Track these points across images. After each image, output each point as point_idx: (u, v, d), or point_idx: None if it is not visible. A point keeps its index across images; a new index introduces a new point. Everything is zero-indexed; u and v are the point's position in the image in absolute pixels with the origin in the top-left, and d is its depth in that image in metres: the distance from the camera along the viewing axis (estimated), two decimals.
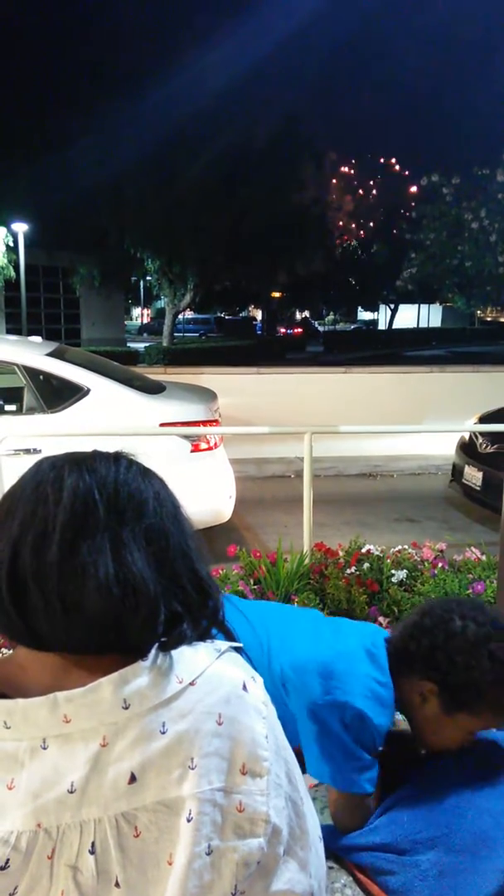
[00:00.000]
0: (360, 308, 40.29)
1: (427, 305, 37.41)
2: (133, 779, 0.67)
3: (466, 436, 5.68)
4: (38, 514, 0.72)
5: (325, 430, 3.62)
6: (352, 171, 20.61)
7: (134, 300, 38.59)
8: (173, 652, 0.73)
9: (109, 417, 3.86)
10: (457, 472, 5.67)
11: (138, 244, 17.07)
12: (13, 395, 3.95)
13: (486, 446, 5.29)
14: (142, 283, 30.10)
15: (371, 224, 24.63)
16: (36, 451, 3.61)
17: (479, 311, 29.88)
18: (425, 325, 38.43)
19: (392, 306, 30.68)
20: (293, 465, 6.66)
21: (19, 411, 3.89)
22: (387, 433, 4.43)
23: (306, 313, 42.15)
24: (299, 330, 35.51)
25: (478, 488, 5.25)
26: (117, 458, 0.80)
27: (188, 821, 0.67)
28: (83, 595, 0.69)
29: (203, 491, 4.00)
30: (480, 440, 5.38)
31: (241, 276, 20.41)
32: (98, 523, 0.72)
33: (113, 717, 0.68)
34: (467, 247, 10.51)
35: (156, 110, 14.53)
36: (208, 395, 4.62)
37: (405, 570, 3.09)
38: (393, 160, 20.43)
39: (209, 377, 7.27)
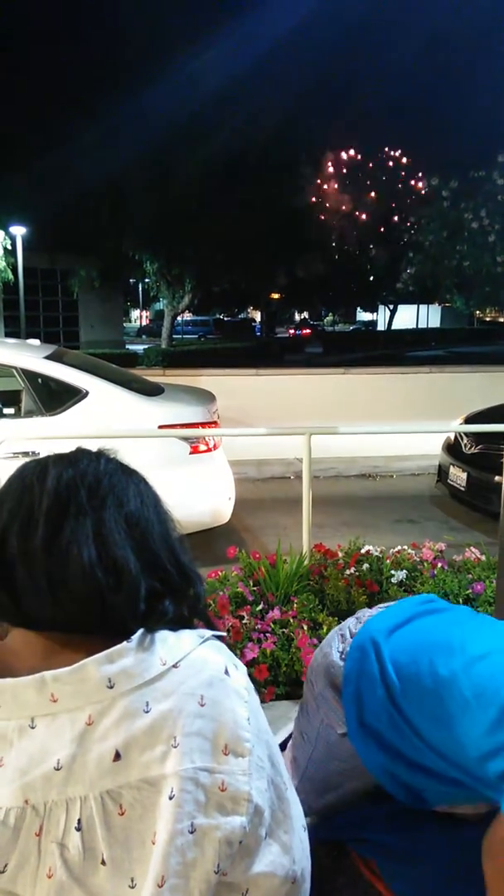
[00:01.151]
0: (359, 309, 40.28)
1: (426, 306, 37.44)
2: (118, 756, 0.69)
3: (452, 436, 5.70)
4: (24, 502, 0.76)
5: (325, 432, 3.61)
6: (350, 172, 20.65)
7: (132, 302, 38.61)
8: (157, 637, 0.75)
9: (108, 420, 3.86)
10: (442, 472, 5.69)
11: (137, 246, 17.08)
12: (12, 398, 3.95)
13: (471, 447, 5.30)
14: (140, 285, 30.10)
15: (370, 225, 24.64)
16: (34, 454, 3.61)
17: (477, 312, 29.89)
18: (424, 326, 38.45)
19: (391, 307, 30.68)
20: (292, 467, 6.66)
21: (18, 414, 3.89)
22: (385, 433, 4.43)
23: (305, 314, 42.15)
24: (308, 331, 35.57)
25: (462, 489, 5.26)
26: (98, 454, 0.85)
27: (170, 798, 0.68)
28: (67, 574, 0.72)
29: (202, 492, 4.00)
30: (465, 441, 5.38)
31: (240, 277, 20.42)
32: (81, 508, 0.76)
33: (98, 696, 0.70)
34: (465, 247, 10.52)
35: (154, 112, 14.53)
36: (207, 397, 4.61)
37: (405, 571, 3.09)
38: (391, 161, 20.45)
39: (208, 379, 7.28)
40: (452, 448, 5.61)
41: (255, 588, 3.05)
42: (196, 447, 3.99)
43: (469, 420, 5.69)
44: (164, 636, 0.76)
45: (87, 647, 0.73)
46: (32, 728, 0.70)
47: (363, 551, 3.27)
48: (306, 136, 18.04)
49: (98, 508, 0.76)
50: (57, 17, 15.29)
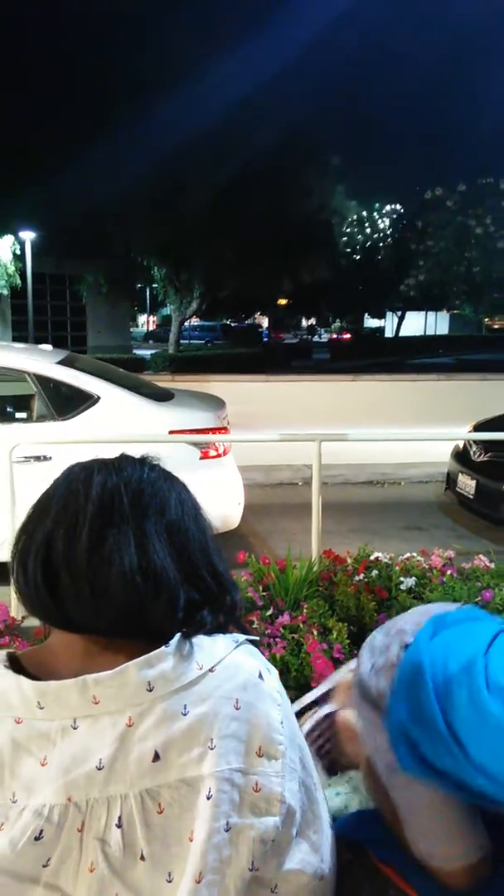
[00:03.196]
0: (366, 315, 40.34)
1: (434, 313, 37.43)
2: (157, 757, 0.71)
3: (461, 444, 5.70)
4: (69, 508, 0.78)
5: (335, 438, 3.64)
6: (358, 179, 20.74)
7: (139, 307, 38.78)
8: (194, 641, 0.77)
9: (119, 425, 3.90)
10: (451, 480, 5.69)
11: (145, 252, 17.18)
12: (24, 403, 3.99)
13: (480, 454, 5.30)
14: (147, 290, 30.24)
15: (378, 232, 24.71)
16: (46, 459, 3.64)
17: (486, 320, 29.88)
18: (433, 333, 38.43)
19: (399, 314, 30.71)
20: (300, 473, 6.67)
21: (30, 419, 3.93)
22: (394, 440, 4.45)
23: (312, 320, 42.22)
24: (348, 336, 35.69)
25: (471, 496, 5.26)
26: (142, 461, 0.87)
27: (208, 798, 0.70)
28: (109, 581, 0.74)
29: (212, 498, 4.00)
30: (474, 448, 5.39)
31: (247, 283, 20.49)
32: (124, 517, 0.78)
33: (138, 698, 0.73)
34: (474, 253, 10.55)
35: (163, 119, 14.64)
36: (217, 403, 4.64)
37: (414, 578, 3.10)
38: (400, 168, 20.54)
39: (217, 385, 7.31)
40: (461, 456, 5.61)
41: (264, 593, 3.07)
42: (206, 452, 4.02)
43: (478, 428, 5.69)
44: (199, 641, 0.78)
45: (127, 650, 0.75)
46: (75, 729, 0.72)
47: (372, 558, 3.28)
48: (315, 144, 18.11)
49: (140, 517, 0.78)
50: (68, 29, 15.45)
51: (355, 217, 24.58)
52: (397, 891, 0.92)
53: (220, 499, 4.08)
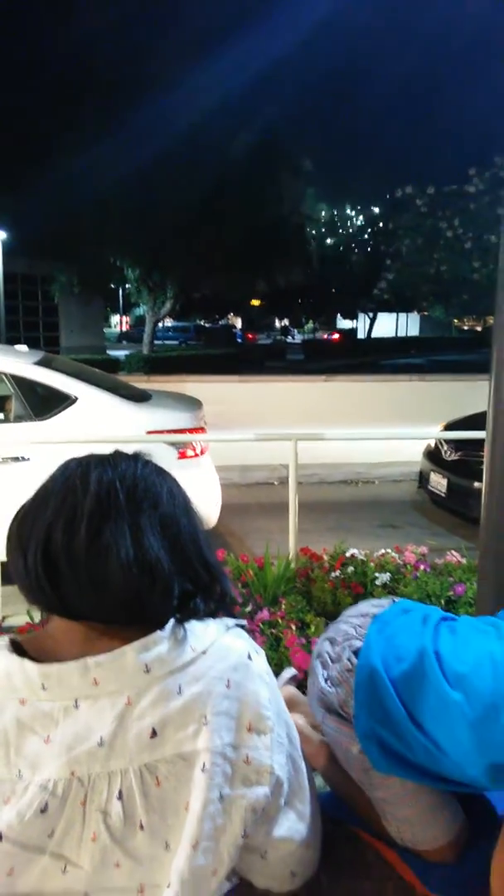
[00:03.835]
0: (339, 316, 40.67)
1: (405, 314, 37.89)
2: (154, 734, 0.76)
3: (432, 443, 5.82)
4: (67, 502, 0.81)
5: (311, 438, 3.70)
6: (331, 181, 20.92)
7: (113, 308, 38.49)
8: (187, 627, 0.82)
9: (97, 425, 3.91)
10: (423, 478, 5.82)
11: (118, 253, 17.09)
12: (2, 404, 3.98)
13: (451, 454, 5.43)
14: (121, 290, 30.07)
15: (349, 233, 24.95)
16: (24, 459, 3.64)
17: (456, 321, 30.34)
18: (404, 334, 38.88)
19: (371, 315, 31.03)
20: (276, 472, 6.73)
21: (7, 419, 3.92)
22: (369, 439, 4.53)
23: (286, 321, 42.42)
24: (337, 336, 35.84)
25: (443, 495, 5.38)
26: (136, 457, 0.91)
27: (202, 771, 0.76)
28: (107, 572, 0.78)
29: (190, 497, 4.05)
30: (445, 448, 5.52)
31: (221, 284, 20.51)
32: (119, 511, 0.81)
33: (136, 679, 0.77)
34: (442, 255, 10.75)
35: (137, 122, 14.59)
36: (194, 404, 4.68)
37: (388, 573, 3.18)
38: (370, 171, 20.77)
39: (193, 385, 7.34)
40: (433, 455, 5.73)
41: (244, 590, 3.12)
42: (184, 453, 4.05)
43: (449, 427, 5.82)
44: (192, 626, 0.83)
45: (124, 635, 0.80)
46: (76, 708, 0.77)
47: (348, 555, 3.36)
48: (287, 148, 18.23)
49: (135, 511, 0.82)
50: (43, 31, 15.31)
51: (327, 219, 24.80)
52: (376, 854, 0.98)
53: (197, 498, 4.11)
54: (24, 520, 0.83)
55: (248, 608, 2.92)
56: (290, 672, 1.23)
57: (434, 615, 1.03)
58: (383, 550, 3.43)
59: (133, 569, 0.79)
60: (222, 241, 16.61)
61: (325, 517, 5.58)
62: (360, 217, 23.39)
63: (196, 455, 4.15)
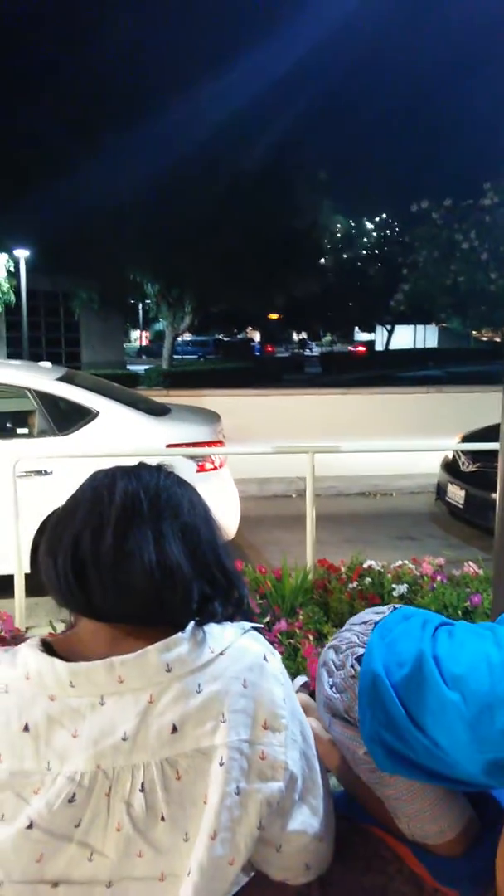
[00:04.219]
0: (357, 329, 40.69)
1: (423, 326, 37.80)
2: (174, 729, 0.81)
3: (450, 455, 5.82)
4: (95, 511, 0.88)
5: (327, 450, 3.75)
6: (349, 195, 21.09)
7: (132, 323, 38.95)
8: (206, 629, 0.88)
9: (118, 439, 3.99)
10: (441, 490, 5.81)
11: (138, 269, 17.34)
12: (26, 419, 4.08)
13: (468, 465, 5.42)
14: (140, 305, 30.44)
15: (367, 246, 25.05)
16: (47, 473, 3.73)
17: (474, 332, 30.19)
18: (422, 346, 38.76)
19: (389, 327, 31.01)
20: (294, 485, 6.77)
21: (32, 434, 4.02)
22: (385, 452, 4.56)
23: (304, 335, 42.54)
24: (363, 349, 35.88)
25: (460, 506, 5.37)
26: (159, 468, 0.97)
27: (220, 765, 0.81)
28: (131, 575, 0.84)
29: (209, 507, 4.12)
30: (462, 459, 5.51)
31: (239, 299, 20.68)
32: (143, 518, 0.88)
33: (158, 678, 0.83)
34: (459, 266, 10.78)
35: (155, 137, 14.86)
36: (212, 417, 4.75)
37: (405, 585, 3.19)
38: (387, 183, 20.89)
39: (211, 399, 7.41)
40: (450, 466, 5.73)
41: (261, 601, 3.16)
42: (203, 466, 4.12)
43: (466, 439, 5.82)
44: (211, 629, 0.88)
45: (147, 636, 0.85)
46: (102, 705, 0.82)
47: (365, 566, 3.38)
48: (304, 161, 18.42)
49: (157, 519, 0.88)
50: (62, 44, 15.70)
51: (344, 232, 24.93)
52: (387, 849, 1.02)
53: (216, 510, 4.16)
54: (55, 527, 0.90)
55: (266, 619, 2.96)
56: (301, 679, 1.27)
57: (433, 621, 1.08)
58: (400, 562, 3.45)
59: (155, 573, 0.85)
60: (240, 255, 16.78)
61: (343, 529, 5.60)
62: (377, 229, 23.50)
63: (215, 468, 4.21)
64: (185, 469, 4.09)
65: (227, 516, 4.27)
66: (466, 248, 10.17)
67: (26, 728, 0.82)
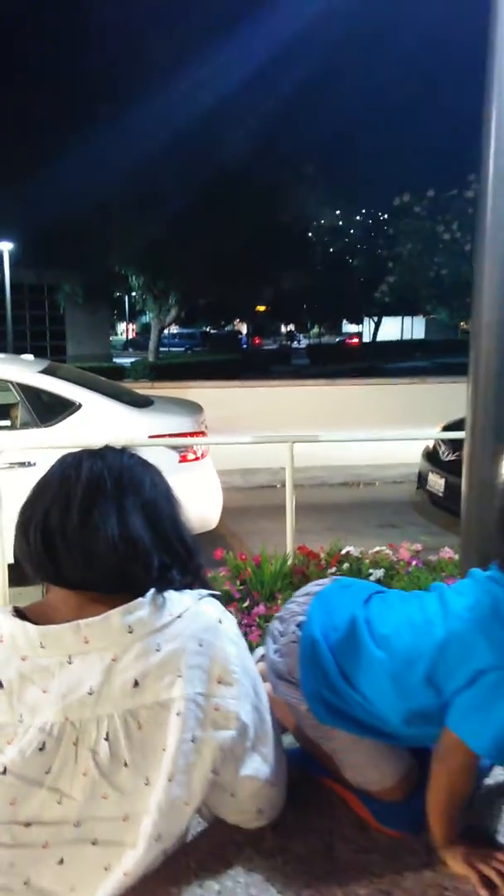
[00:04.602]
0: (344, 321, 40.78)
1: (410, 318, 37.95)
2: (136, 684, 0.89)
3: (431, 444, 5.91)
4: (63, 489, 0.96)
5: (306, 440, 3.82)
6: (333, 187, 21.08)
7: (119, 315, 38.79)
8: (165, 595, 0.95)
9: (101, 431, 4.04)
10: (422, 479, 5.90)
11: (122, 262, 17.29)
12: (8, 411, 4.12)
13: (448, 454, 5.52)
14: (126, 298, 30.35)
15: (352, 238, 25.10)
16: (31, 465, 3.78)
17: (462, 323, 30.38)
18: (409, 338, 38.91)
19: (375, 319, 31.11)
20: (278, 476, 6.83)
21: (14, 426, 4.06)
22: (364, 441, 4.64)
23: (291, 327, 42.56)
24: (356, 340, 35.83)
25: (441, 494, 5.47)
26: (123, 450, 1.05)
27: (177, 715, 0.89)
28: (96, 546, 0.93)
29: (191, 499, 4.17)
30: (443, 448, 5.61)
31: (226, 291, 20.68)
32: (107, 495, 0.95)
33: (121, 639, 0.91)
34: (443, 258, 10.87)
35: (140, 129, 14.78)
36: (195, 409, 4.81)
37: (382, 569, 3.28)
38: (372, 175, 20.94)
39: (196, 391, 7.47)
40: (431, 455, 5.82)
41: (241, 587, 3.23)
42: (185, 456, 4.18)
43: (447, 428, 5.91)
44: (170, 594, 0.96)
45: (111, 603, 0.93)
46: (70, 663, 0.90)
47: (343, 552, 3.46)
48: (288, 153, 18.40)
49: (120, 496, 0.96)
50: (43, 33, 15.56)
51: (330, 224, 24.94)
52: (336, 797, 1.11)
53: (198, 500, 4.23)
54: (28, 505, 0.97)
55: (246, 603, 3.04)
56: (260, 651, 1.35)
57: (369, 589, 1.19)
58: (378, 548, 3.54)
59: (118, 544, 0.92)
60: (225, 247, 16.78)
61: (326, 518, 5.68)
62: (363, 221, 23.54)
63: (197, 458, 4.27)
64: (167, 460, 4.16)
65: (209, 506, 4.34)
66: (449, 239, 10.25)
67: (0, 685, 0.89)
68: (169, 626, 0.93)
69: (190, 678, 0.91)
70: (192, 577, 1.01)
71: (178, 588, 0.97)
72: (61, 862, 0.88)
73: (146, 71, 15.58)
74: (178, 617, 0.94)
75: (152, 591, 0.94)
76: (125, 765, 0.88)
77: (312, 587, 1.24)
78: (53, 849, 0.88)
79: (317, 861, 1.00)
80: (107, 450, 1.03)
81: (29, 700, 0.89)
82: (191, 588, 1.00)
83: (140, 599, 0.93)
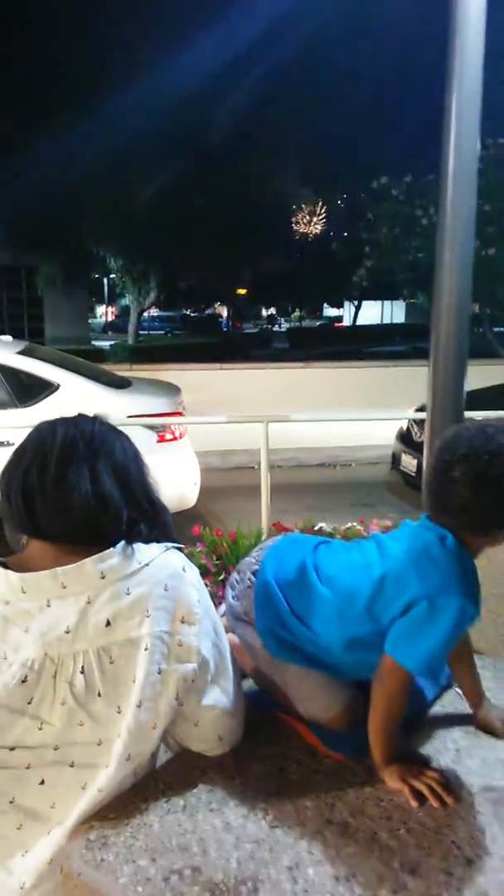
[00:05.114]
0: (325, 305, 40.82)
1: (390, 302, 38.11)
2: (108, 623, 1.01)
3: (404, 425, 6.06)
4: (39, 452, 1.07)
5: (280, 419, 3.93)
6: (310, 169, 21.03)
7: (98, 298, 38.43)
8: (134, 546, 1.07)
9: (79, 411, 4.11)
10: (395, 459, 6.06)
11: (99, 243, 17.16)
12: None
13: (420, 435, 5.67)
14: (105, 280, 30.07)
15: (330, 221, 25.13)
16: (9, 444, 3.84)
17: None
18: (389, 322, 39.10)
19: (356, 303, 31.21)
20: (256, 457, 6.90)
21: None
22: (336, 420, 4.75)
23: (272, 310, 42.52)
24: (342, 325, 35.89)
25: (413, 474, 5.63)
26: (94, 418, 1.16)
27: (145, 650, 1.01)
28: (71, 502, 1.04)
29: (169, 478, 4.27)
30: (416, 429, 5.76)
31: (205, 274, 20.63)
32: (80, 457, 1.06)
33: (94, 583, 1.02)
34: (420, 242, 10.97)
35: (115, 110, 14.62)
36: (172, 390, 4.89)
37: None
38: (350, 158, 20.91)
39: (174, 373, 7.52)
40: (405, 437, 5.97)
41: (217, 561, 3.35)
42: (163, 436, 4.27)
43: (420, 410, 6.06)
44: (139, 546, 1.07)
45: (85, 553, 1.04)
46: (48, 606, 1.01)
47: (316, 528, 3.60)
48: (267, 134, 18.32)
49: (93, 458, 1.07)
50: (17, 16, 15.24)
51: (310, 208, 24.92)
52: (289, 727, 1.25)
53: (176, 479, 4.34)
54: (8, 468, 1.08)
55: (221, 577, 3.16)
56: (224, 608, 1.48)
57: (316, 540, 1.35)
58: (350, 524, 3.67)
59: (91, 500, 1.03)
60: (203, 230, 16.72)
61: (303, 498, 5.82)
62: (341, 205, 23.56)
63: (175, 438, 4.37)
64: (145, 439, 4.25)
65: (187, 484, 4.45)
66: (427, 224, 10.35)
67: None
68: (138, 572, 1.04)
69: (156, 618, 1.02)
70: (158, 532, 1.12)
71: (146, 541, 1.08)
72: (42, 782, 1.00)
73: (124, 55, 15.39)
74: (146, 565, 1.05)
75: (122, 542, 1.05)
76: (99, 695, 0.99)
77: (265, 543, 1.38)
78: (35, 770, 0.99)
79: (271, 781, 1.12)
80: (80, 417, 1.14)
81: (12, 639, 1.00)
82: (158, 542, 1.11)
83: (111, 549, 1.04)
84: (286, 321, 43.05)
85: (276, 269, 21.92)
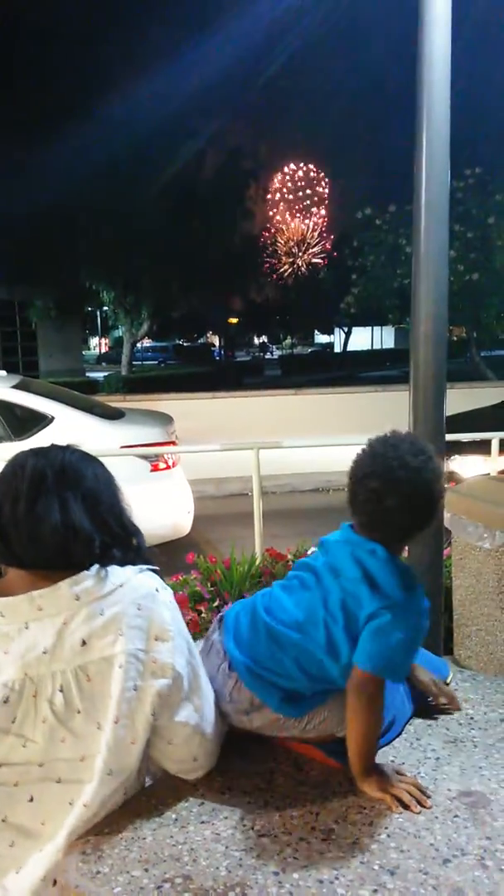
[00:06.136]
0: (316, 332, 41.24)
1: (380, 328, 38.55)
2: (84, 643, 1.07)
3: None
4: (11, 484, 1.12)
5: (270, 446, 4.01)
6: (299, 202, 21.52)
7: (91, 330, 38.75)
8: (108, 569, 1.13)
9: (73, 442, 4.18)
10: None
11: (92, 277, 17.41)
12: None
13: None
14: (98, 312, 30.37)
15: (318, 251, 25.58)
16: None
17: None
18: (379, 347, 39.51)
19: (346, 329, 31.58)
20: (250, 484, 6.94)
21: None
22: (326, 446, 4.82)
23: (264, 338, 42.92)
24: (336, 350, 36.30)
25: None
26: (66, 447, 1.21)
27: (120, 667, 1.07)
28: (41, 533, 1.09)
29: (163, 507, 4.34)
30: None
31: (197, 304, 20.89)
32: (48, 489, 1.11)
33: (70, 605, 1.08)
34: (404, 269, 11.22)
35: (108, 143, 14.91)
36: (165, 419, 4.97)
37: None
38: (335, 189, 21.40)
39: (167, 403, 7.62)
40: None
41: (212, 588, 3.40)
42: (156, 465, 4.34)
43: None
44: (113, 568, 1.13)
45: (59, 578, 1.09)
46: (27, 629, 1.07)
47: (309, 552, 3.64)
48: (254, 166, 18.73)
49: (62, 488, 1.12)
50: (7, 44, 15.56)
51: (300, 236, 25.36)
52: (281, 746, 1.30)
53: (170, 508, 4.40)
54: None
55: (216, 603, 3.20)
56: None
57: (256, 598, 1.37)
58: None
59: (60, 529, 1.09)
60: (194, 261, 17.00)
61: (296, 524, 5.86)
62: (329, 234, 24.03)
63: (168, 467, 4.44)
64: (139, 469, 4.32)
65: (181, 513, 4.50)
66: (410, 252, 10.60)
67: None
68: (111, 593, 1.09)
69: (130, 637, 1.07)
70: (133, 555, 1.17)
71: (121, 563, 1.14)
72: (31, 799, 1.05)
73: (113, 83, 15.70)
74: (120, 586, 1.11)
75: (96, 566, 1.11)
76: (78, 712, 1.05)
77: (210, 637, 1.38)
78: (23, 787, 1.05)
79: (258, 794, 1.17)
80: (51, 448, 1.18)
81: None
82: (133, 564, 1.16)
83: (85, 572, 1.09)
84: (278, 348, 43.44)
85: (265, 297, 22.23)
